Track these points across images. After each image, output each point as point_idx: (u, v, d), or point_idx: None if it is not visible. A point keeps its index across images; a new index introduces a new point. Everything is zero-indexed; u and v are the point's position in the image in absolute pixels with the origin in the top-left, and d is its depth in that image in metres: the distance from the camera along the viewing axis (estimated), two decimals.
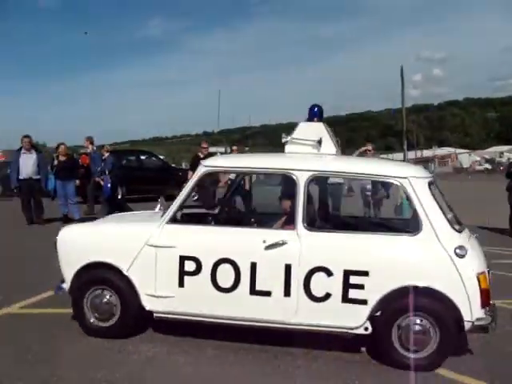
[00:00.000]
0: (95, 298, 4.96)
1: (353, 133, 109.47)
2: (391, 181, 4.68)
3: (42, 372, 4.26)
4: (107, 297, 4.93)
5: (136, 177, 18.12)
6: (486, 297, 4.40)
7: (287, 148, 5.14)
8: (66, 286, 5.07)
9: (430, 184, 4.63)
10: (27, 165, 12.11)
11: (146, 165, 20.84)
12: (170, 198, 5.11)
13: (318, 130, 5.08)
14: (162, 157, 28.24)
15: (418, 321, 4.44)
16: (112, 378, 4.18)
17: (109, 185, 13.43)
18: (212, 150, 21.41)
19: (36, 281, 6.81)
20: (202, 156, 12.70)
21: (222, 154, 19.55)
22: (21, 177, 12.07)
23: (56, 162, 13.34)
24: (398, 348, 4.49)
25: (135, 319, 4.95)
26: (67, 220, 12.18)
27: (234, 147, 14.97)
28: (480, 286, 4.37)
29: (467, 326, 4.39)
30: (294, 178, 4.65)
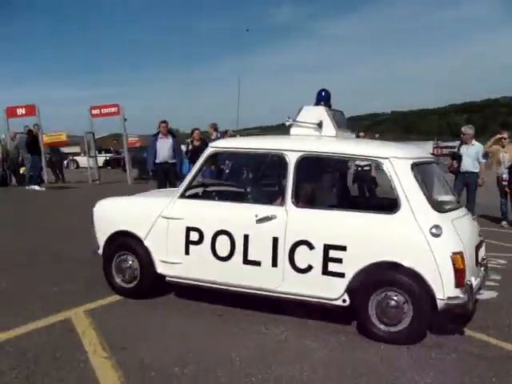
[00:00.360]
0: (121, 262, 5.69)
1: (488, 120, 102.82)
2: (373, 161, 4.87)
3: (178, 349, 4.42)
4: (130, 262, 5.64)
5: None
6: (460, 277, 4.47)
7: (292, 130, 5.50)
8: (100, 250, 5.85)
9: (413, 165, 4.76)
10: (164, 149, 12.34)
11: None
12: None
13: (320, 113, 5.37)
14: None
15: (393, 296, 4.62)
16: (246, 356, 4.28)
17: (227, 170, 14.04)
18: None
19: None
20: None
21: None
22: (157, 161, 12.31)
23: (190, 147, 13.93)
24: (374, 321, 4.70)
25: (152, 283, 5.59)
26: None
27: (361, 133, 14.17)
28: (454, 265, 4.45)
29: (440, 304, 4.50)
30: (286, 157, 5.02)
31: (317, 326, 5.01)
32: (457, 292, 4.49)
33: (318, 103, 5.62)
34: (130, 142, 29.39)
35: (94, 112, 27.28)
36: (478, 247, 4.93)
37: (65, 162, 30.34)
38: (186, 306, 5.49)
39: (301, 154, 4.97)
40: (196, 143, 13.77)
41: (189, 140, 14.46)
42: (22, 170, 20.89)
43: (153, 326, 4.98)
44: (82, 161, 33.14)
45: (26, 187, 18.81)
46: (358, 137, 14.13)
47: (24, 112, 25.76)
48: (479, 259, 4.93)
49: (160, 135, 12.41)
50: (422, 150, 5.58)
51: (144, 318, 5.17)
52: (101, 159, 32.74)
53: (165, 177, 12.34)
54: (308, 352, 4.43)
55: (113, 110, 27.68)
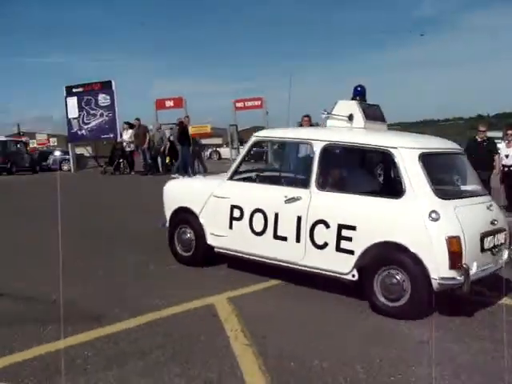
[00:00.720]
0: (181, 234, 6.66)
1: None
2: (383, 150, 5.32)
3: (318, 342, 4.45)
4: (188, 234, 6.58)
5: None
6: (455, 259, 4.80)
7: (328, 122, 6.09)
8: (167, 224, 6.87)
9: (421, 155, 5.14)
10: None
11: None
12: None
13: (351, 107, 5.91)
14: None
15: (394, 274, 5.05)
16: (386, 355, 4.21)
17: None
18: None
19: None
20: (479, 139, 11.58)
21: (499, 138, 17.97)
22: (299, 155, 12.96)
23: None
24: (379, 296, 5.16)
25: (205, 253, 6.48)
26: None
27: (510, 132, 13.88)
28: (449, 248, 4.80)
29: (434, 283, 4.86)
30: (313, 146, 5.64)
31: (459, 330, 4.87)
32: (451, 273, 4.83)
33: (354, 97, 6.14)
34: None
35: (238, 105, 28.78)
36: (486, 234, 5.15)
37: (206, 153, 32.48)
38: (328, 299, 5.56)
39: (324, 143, 5.57)
40: None
41: None
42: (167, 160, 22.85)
43: (294, 316, 5.10)
44: (225, 152, 35.09)
45: (172, 175, 20.46)
46: (505, 135, 13.74)
47: (172, 104, 27.93)
48: (486, 246, 5.15)
49: None
50: (443, 141, 5.87)
51: (286, 308, 5.33)
52: (243, 151, 34.24)
53: None
54: (450, 355, 4.29)
55: (256, 103, 29.01)
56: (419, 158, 5.12)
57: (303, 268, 5.64)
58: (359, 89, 6.20)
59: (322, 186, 5.57)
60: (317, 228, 5.46)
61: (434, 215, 4.88)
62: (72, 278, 5.85)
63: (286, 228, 5.67)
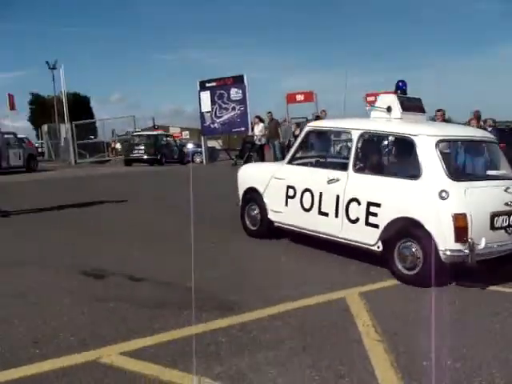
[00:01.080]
0: (250, 211, 7.80)
1: None
2: (405, 138, 6.00)
3: (451, 341, 4.21)
4: (255, 211, 7.69)
5: None
6: (460, 234, 5.39)
7: (371, 114, 6.84)
8: (240, 203, 8.02)
9: (439, 142, 5.77)
10: None
11: None
12: None
13: (390, 100, 6.61)
14: None
15: (410, 245, 5.75)
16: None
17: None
18: None
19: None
20: None
21: None
22: None
23: None
24: (398, 265, 5.87)
25: (269, 227, 7.52)
26: None
27: None
28: (455, 224, 5.41)
29: (441, 255, 5.48)
30: (351, 134, 6.46)
31: None
32: (457, 246, 5.42)
33: (395, 91, 6.82)
34: None
35: (369, 99, 28.96)
36: (497, 214, 5.63)
37: (337, 147, 33.09)
38: (462, 297, 5.41)
39: (360, 131, 6.38)
40: None
41: None
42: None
43: (426, 313, 4.78)
44: None
45: None
46: None
47: (302, 98, 28.83)
48: (497, 225, 5.63)
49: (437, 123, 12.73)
50: (469, 130, 6.38)
51: (417, 304, 5.23)
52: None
53: None
54: None
55: None
56: (436, 144, 5.75)
57: (340, 240, 6.48)
58: (400, 84, 6.86)
59: (357, 168, 6.37)
60: (351, 205, 6.27)
61: (443, 194, 5.50)
62: (204, 265, 6.13)
63: (328, 205, 6.54)
